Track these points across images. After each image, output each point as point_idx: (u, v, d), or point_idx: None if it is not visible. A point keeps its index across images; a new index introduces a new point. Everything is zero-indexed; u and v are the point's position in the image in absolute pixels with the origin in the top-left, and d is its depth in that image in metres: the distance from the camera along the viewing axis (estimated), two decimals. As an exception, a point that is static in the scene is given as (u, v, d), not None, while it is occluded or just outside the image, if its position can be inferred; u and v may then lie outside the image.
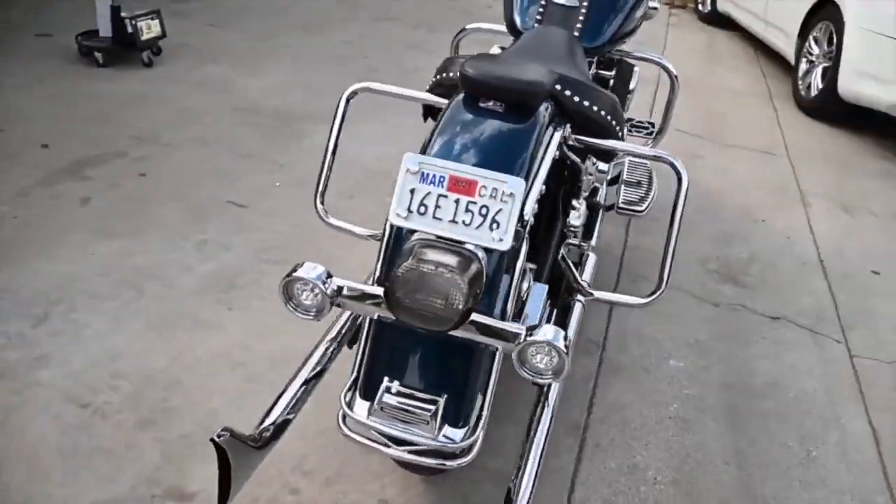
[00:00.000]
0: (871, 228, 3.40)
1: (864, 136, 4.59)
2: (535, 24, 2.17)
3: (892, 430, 2.13)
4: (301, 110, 3.76)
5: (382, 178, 3.17)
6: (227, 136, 3.36)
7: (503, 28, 2.81)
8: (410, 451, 1.31)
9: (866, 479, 1.95)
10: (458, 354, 1.33)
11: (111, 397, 1.86)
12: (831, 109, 4.70)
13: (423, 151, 1.40)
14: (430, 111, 2.06)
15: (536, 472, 1.33)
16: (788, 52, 5.30)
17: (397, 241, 1.35)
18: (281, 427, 1.41)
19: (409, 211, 1.27)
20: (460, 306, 1.20)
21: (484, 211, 1.27)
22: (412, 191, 1.28)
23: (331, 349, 1.63)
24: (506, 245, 1.26)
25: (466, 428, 1.32)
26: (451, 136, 1.41)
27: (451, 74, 1.83)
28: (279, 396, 1.45)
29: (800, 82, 5.07)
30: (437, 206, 1.27)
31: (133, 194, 2.78)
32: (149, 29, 3.84)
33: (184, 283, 2.32)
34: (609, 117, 1.70)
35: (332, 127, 1.91)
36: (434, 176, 1.29)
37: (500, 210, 1.26)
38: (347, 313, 1.63)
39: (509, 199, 1.26)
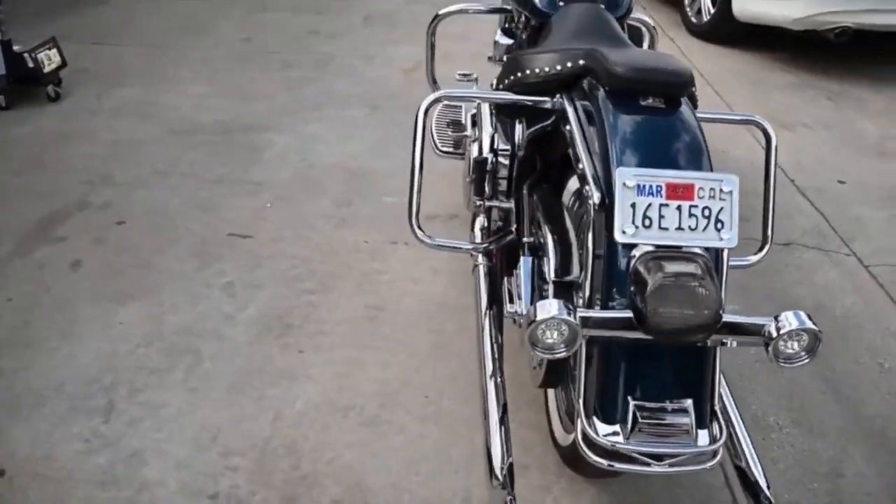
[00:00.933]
0: (813, 141, 3.65)
1: (758, 52, 4.88)
2: (561, 3, 2.12)
3: (937, 328, 2.34)
4: (243, 119, 3.51)
5: (368, 178, 3.04)
6: (183, 162, 3.08)
7: (480, 6, 2.74)
8: (671, 465, 1.29)
9: (943, 377, 2.14)
10: (690, 358, 1.31)
11: (236, 480, 1.70)
12: (725, 32, 4.95)
13: (605, 161, 1.35)
14: (500, 109, 1.98)
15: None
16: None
17: (614, 258, 1.30)
18: (511, 472, 1.35)
19: (636, 226, 1.23)
20: (717, 312, 1.19)
21: (707, 213, 1.25)
22: (633, 205, 1.24)
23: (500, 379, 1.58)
24: (733, 242, 1.25)
25: (710, 429, 1.31)
26: (633, 141, 1.36)
27: (531, 71, 1.77)
28: (488, 443, 1.40)
29: (688, 9, 5.30)
30: (660, 217, 1.24)
31: (122, 247, 2.51)
32: (50, 60, 3.42)
33: (235, 335, 2.13)
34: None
35: (413, 143, 1.81)
36: (651, 186, 1.25)
37: (721, 209, 1.25)
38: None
39: (728, 196, 1.26)
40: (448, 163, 3.04)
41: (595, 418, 1.31)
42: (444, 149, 2.71)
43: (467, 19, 2.83)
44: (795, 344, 1.24)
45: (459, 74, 3.00)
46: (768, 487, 1.37)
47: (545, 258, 1.64)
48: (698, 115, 1.56)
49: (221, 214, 2.72)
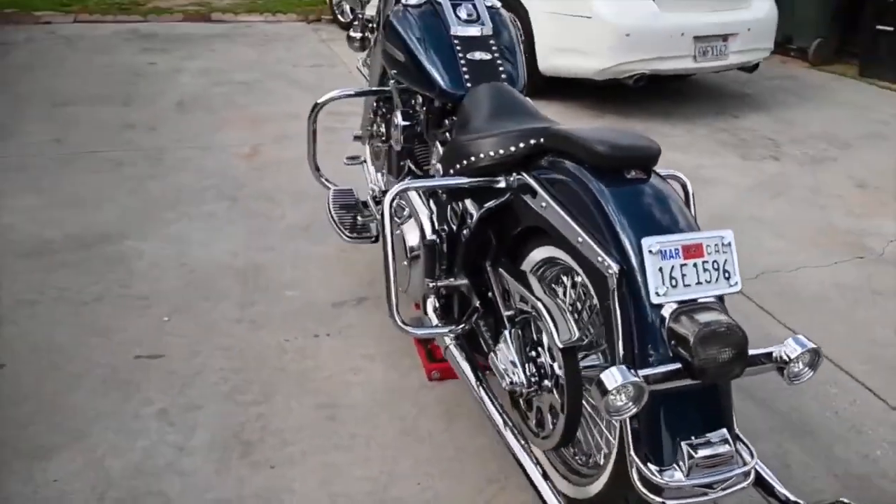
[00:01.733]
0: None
1: (564, 101, 5.36)
2: (468, 84, 2.25)
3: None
4: (96, 229, 3.25)
5: (260, 274, 2.96)
6: (49, 287, 2.80)
7: (352, 91, 2.82)
8: (724, 489, 1.42)
9: None
10: (716, 393, 1.48)
11: None
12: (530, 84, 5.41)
13: (612, 231, 1.48)
14: (452, 192, 2.05)
15: None
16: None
17: (646, 317, 1.43)
18: None
19: (666, 287, 1.39)
20: (746, 348, 1.37)
21: (716, 265, 1.44)
22: (661, 269, 1.39)
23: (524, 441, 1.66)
24: (739, 286, 1.45)
25: (739, 451, 1.47)
26: (634, 211, 1.51)
27: (485, 155, 1.88)
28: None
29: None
30: (682, 275, 1.41)
31: (18, 396, 2.22)
32: None
33: (195, 466, 1.99)
34: None
35: (383, 235, 1.88)
36: (670, 250, 1.41)
37: (725, 260, 1.44)
38: None
39: (728, 248, 1.45)
40: (334, 246, 3.06)
41: (650, 464, 1.42)
42: (352, 235, 2.73)
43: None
44: (800, 363, 1.46)
45: (347, 159, 3.04)
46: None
47: (540, 326, 1.74)
48: None
49: (118, 337, 2.51)
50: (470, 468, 2.01)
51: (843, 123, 5.21)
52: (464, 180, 1.93)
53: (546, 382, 1.74)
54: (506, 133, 1.90)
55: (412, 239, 2.20)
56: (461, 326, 2.03)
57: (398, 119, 2.49)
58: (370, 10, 2.88)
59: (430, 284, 2.13)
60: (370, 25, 2.89)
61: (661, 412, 1.44)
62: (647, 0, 4.81)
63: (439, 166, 2.09)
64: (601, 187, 1.56)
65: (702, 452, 1.42)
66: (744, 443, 1.48)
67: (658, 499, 1.41)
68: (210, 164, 4.07)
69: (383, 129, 3.08)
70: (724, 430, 1.45)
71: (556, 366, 1.70)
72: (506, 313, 1.87)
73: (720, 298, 1.46)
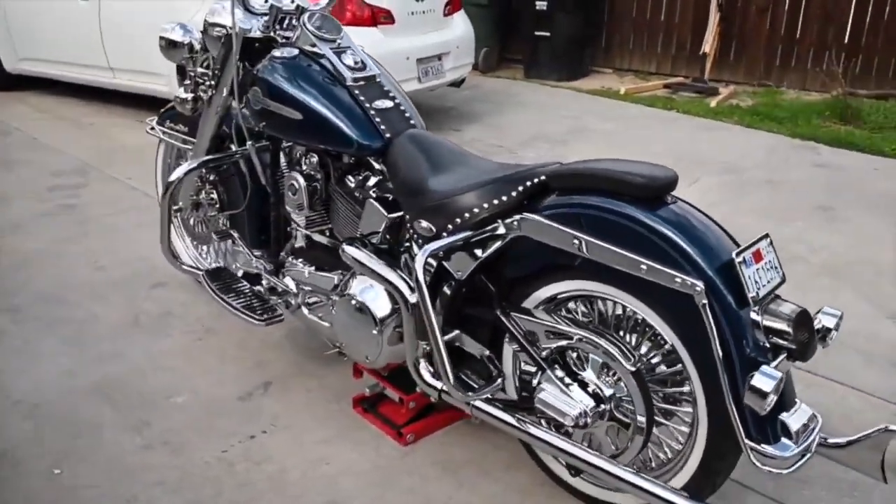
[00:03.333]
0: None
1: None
2: (387, 135, 2.17)
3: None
4: None
5: (127, 389, 2.49)
6: None
7: (203, 159, 2.54)
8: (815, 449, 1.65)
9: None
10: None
11: None
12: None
13: (686, 256, 1.62)
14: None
15: None
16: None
17: (741, 321, 1.60)
18: None
19: (754, 291, 1.60)
20: None
21: (770, 264, 1.66)
22: (748, 276, 1.58)
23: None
24: (784, 276, 1.69)
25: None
26: (696, 231, 1.66)
27: (485, 206, 1.91)
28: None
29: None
30: (759, 278, 1.62)
31: None
32: None
33: None
34: None
35: (421, 297, 1.78)
36: (747, 258, 1.60)
37: (773, 257, 1.67)
38: None
39: (771, 247, 1.69)
40: (182, 335, 2.71)
41: (763, 444, 1.58)
42: (264, 318, 2.47)
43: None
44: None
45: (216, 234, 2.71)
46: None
47: (589, 357, 1.81)
48: None
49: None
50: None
51: (547, 123, 5.95)
52: (466, 234, 1.89)
53: (609, 407, 1.82)
54: (495, 181, 1.91)
55: (382, 304, 2.08)
56: (493, 385, 1.96)
57: (299, 181, 2.30)
58: (200, 68, 2.58)
59: (425, 346, 2.03)
60: (203, 84, 2.59)
61: (774, 394, 1.60)
62: (371, 28, 4.96)
63: (426, 225, 1.98)
64: (654, 215, 1.68)
65: (796, 423, 1.63)
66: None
67: (785, 470, 1.58)
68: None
69: (216, 197, 2.81)
70: (799, 401, 1.68)
71: (624, 387, 1.79)
72: (542, 354, 1.89)
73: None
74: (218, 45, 2.52)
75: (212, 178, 2.79)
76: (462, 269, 1.94)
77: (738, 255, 1.58)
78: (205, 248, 3.14)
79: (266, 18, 2.44)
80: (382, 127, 2.20)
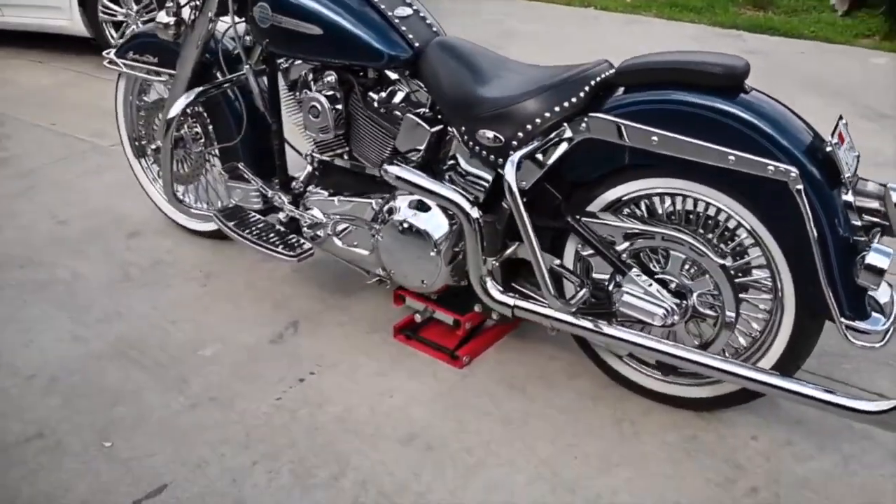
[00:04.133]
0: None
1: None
2: (416, 44, 2.04)
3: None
4: None
5: (147, 348, 2.31)
6: None
7: (204, 87, 2.35)
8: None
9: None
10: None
11: None
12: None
13: (774, 142, 1.63)
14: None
15: None
16: None
17: (834, 204, 1.64)
18: None
19: (847, 171, 1.65)
20: None
21: (848, 145, 1.70)
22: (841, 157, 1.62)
23: None
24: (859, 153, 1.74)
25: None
26: (781, 117, 1.67)
27: (552, 112, 1.85)
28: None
29: None
30: (847, 157, 1.66)
31: None
32: None
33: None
34: None
35: (516, 208, 1.68)
36: (835, 141, 1.63)
37: (849, 139, 1.71)
38: None
39: (846, 126, 1.72)
40: (186, 282, 2.55)
41: (858, 321, 1.65)
42: (296, 253, 2.31)
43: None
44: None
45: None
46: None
47: (671, 255, 1.83)
48: None
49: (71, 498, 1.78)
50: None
51: (473, 29, 5.78)
52: (540, 140, 1.82)
53: (692, 302, 1.84)
54: (559, 83, 1.84)
55: (438, 223, 2.00)
56: (582, 293, 1.92)
57: (322, 103, 2.14)
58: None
59: (494, 262, 1.97)
60: (189, 3, 2.33)
61: (853, 276, 1.66)
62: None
63: (491, 135, 1.88)
64: (737, 104, 1.67)
65: (883, 297, 1.70)
66: None
67: (878, 344, 1.65)
68: None
69: (201, 131, 2.62)
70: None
71: (709, 281, 1.81)
72: (623, 256, 1.87)
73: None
74: None
75: (197, 109, 2.57)
76: (527, 179, 1.88)
77: (830, 137, 1.59)
78: (181, 188, 2.91)
79: None
80: (410, 36, 2.06)
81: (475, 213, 1.92)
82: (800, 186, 1.59)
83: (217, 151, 2.63)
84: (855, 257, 1.64)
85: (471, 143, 1.93)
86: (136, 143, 2.94)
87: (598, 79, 1.83)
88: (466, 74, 1.96)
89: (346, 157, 2.27)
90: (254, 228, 2.39)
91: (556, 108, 1.81)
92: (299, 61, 2.28)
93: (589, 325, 1.89)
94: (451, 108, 1.98)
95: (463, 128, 1.94)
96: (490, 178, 1.98)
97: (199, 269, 2.71)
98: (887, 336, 1.67)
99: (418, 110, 2.08)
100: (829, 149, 1.60)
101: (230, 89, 2.44)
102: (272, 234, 2.36)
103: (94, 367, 2.23)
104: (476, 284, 1.99)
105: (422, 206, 2.03)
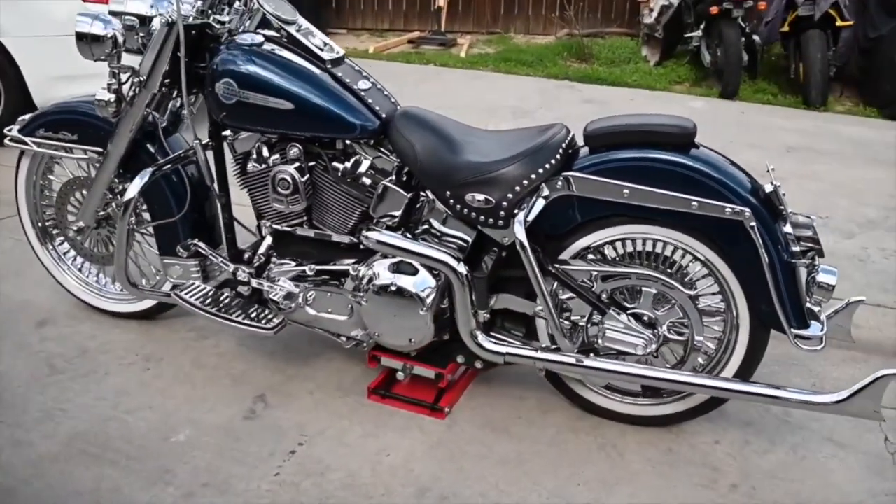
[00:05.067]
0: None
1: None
2: (381, 114, 2.15)
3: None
4: None
5: (110, 447, 2.16)
6: None
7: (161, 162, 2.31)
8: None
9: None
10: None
11: None
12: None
13: (727, 188, 1.91)
14: None
15: None
16: None
17: (780, 235, 1.94)
18: None
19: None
20: None
21: (780, 187, 1.99)
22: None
23: None
24: None
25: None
26: (728, 169, 1.97)
27: (533, 177, 2.01)
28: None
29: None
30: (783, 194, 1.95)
31: None
32: None
33: None
34: None
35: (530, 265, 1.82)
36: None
37: (778, 182, 2.01)
38: None
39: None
40: (126, 369, 2.45)
41: (801, 330, 1.95)
42: (272, 326, 2.28)
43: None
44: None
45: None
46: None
47: (647, 292, 2.06)
48: None
49: None
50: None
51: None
52: (539, 207, 1.98)
53: (663, 331, 2.07)
54: (538, 148, 2.02)
55: (425, 283, 2.09)
56: (580, 335, 2.08)
57: (291, 175, 2.16)
58: (126, 61, 2.26)
59: (485, 315, 2.09)
60: (129, 80, 2.27)
61: (797, 289, 1.96)
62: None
63: (481, 197, 2.00)
64: (694, 158, 1.94)
65: (817, 308, 2.02)
66: None
67: (818, 347, 1.96)
68: None
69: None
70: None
71: (678, 311, 2.05)
72: (601, 298, 2.07)
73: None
74: (134, 37, 2.24)
75: (123, 186, 2.48)
76: (509, 236, 2.03)
77: (767, 184, 1.90)
78: (93, 270, 2.77)
79: (199, 3, 2.22)
80: (376, 108, 2.16)
81: (464, 269, 2.03)
82: (753, 223, 1.88)
83: (150, 229, 2.54)
84: (796, 277, 1.95)
85: (458, 205, 2.05)
86: (41, 227, 2.75)
87: (566, 142, 2.03)
88: (441, 143, 2.09)
89: (305, 226, 2.30)
90: (219, 303, 2.34)
91: (540, 170, 1.99)
92: (247, 134, 2.28)
93: (590, 362, 2.06)
94: (430, 175, 2.09)
95: (447, 192, 2.06)
96: (471, 237, 2.11)
97: (135, 352, 2.58)
98: (824, 340, 1.99)
99: (391, 177, 2.17)
100: (770, 189, 1.90)
101: (179, 165, 2.39)
102: (237, 309, 2.32)
103: (53, 472, 2.06)
104: (467, 337, 2.10)
105: (404, 269, 2.11)
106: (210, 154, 2.36)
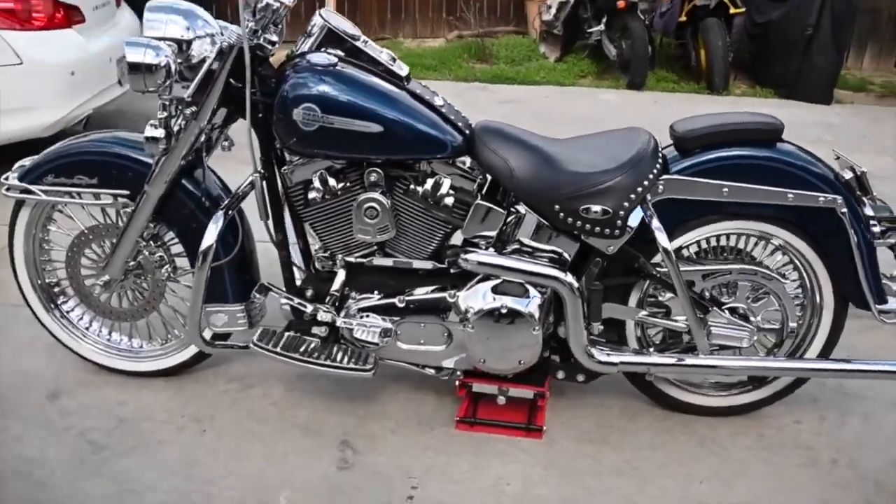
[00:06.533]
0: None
1: None
2: (465, 131, 2.09)
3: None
4: None
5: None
6: None
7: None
8: None
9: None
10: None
11: None
12: None
13: (819, 178, 2.03)
14: None
15: None
16: None
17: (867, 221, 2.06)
18: None
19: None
20: None
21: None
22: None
23: None
24: None
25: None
26: (813, 160, 2.07)
27: (641, 188, 2.02)
28: None
29: None
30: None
31: None
32: None
33: None
34: None
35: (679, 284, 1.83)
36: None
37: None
38: None
39: None
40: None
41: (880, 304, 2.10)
42: (368, 366, 2.14)
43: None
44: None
45: None
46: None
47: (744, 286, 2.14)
48: None
49: None
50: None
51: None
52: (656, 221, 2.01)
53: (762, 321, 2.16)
54: (641, 155, 2.03)
55: (535, 301, 2.04)
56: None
57: (384, 203, 2.04)
58: (177, 91, 2.03)
59: (599, 327, 2.09)
60: (181, 112, 2.05)
61: (878, 268, 2.10)
62: (67, 30, 4.06)
63: (597, 208, 1.98)
64: (783, 153, 2.04)
65: (893, 284, 2.18)
66: None
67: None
68: None
69: (165, 256, 2.36)
70: None
71: (777, 302, 2.14)
72: (703, 296, 2.11)
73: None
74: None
75: (154, 232, 2.26)
76: (614, 244, 2.03)
77: (847, 171, 2.02)
78: (104, 326, 2.49)
79: (251, 24, 2.01)
80: (459, 124, 2.08)
81: (575, 282, 2.01)
82: (845, 210, 1.99)
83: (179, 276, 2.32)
84: (875, 257, 2.08)
85: (569, 218, 2.01)
86: (42, 288, 2.42)
87: (659, 147, 2.06)
88: (535, 156, 2.05)
89: (379, 254, 2.18)
90: (300, 349, 2.15)
91: (650, 176, 2.00)
92: (303, 162, 2.12)
93: (707, 360, 2.11)
94: (531, 190, 2.03)
95: (556, 206, 2.01)
96: (572, 249, 2.08)
97: (179, 414, 2.34)
98: None
99: (483, 196, 2.11)
100: (851, 176, 2.02)
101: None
102: (320, 352, 2.15)
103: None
104: (579, 352, 2.08)
105: (507, 289, 2.05)
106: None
